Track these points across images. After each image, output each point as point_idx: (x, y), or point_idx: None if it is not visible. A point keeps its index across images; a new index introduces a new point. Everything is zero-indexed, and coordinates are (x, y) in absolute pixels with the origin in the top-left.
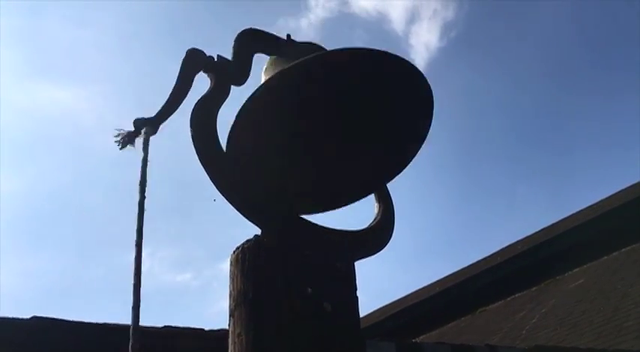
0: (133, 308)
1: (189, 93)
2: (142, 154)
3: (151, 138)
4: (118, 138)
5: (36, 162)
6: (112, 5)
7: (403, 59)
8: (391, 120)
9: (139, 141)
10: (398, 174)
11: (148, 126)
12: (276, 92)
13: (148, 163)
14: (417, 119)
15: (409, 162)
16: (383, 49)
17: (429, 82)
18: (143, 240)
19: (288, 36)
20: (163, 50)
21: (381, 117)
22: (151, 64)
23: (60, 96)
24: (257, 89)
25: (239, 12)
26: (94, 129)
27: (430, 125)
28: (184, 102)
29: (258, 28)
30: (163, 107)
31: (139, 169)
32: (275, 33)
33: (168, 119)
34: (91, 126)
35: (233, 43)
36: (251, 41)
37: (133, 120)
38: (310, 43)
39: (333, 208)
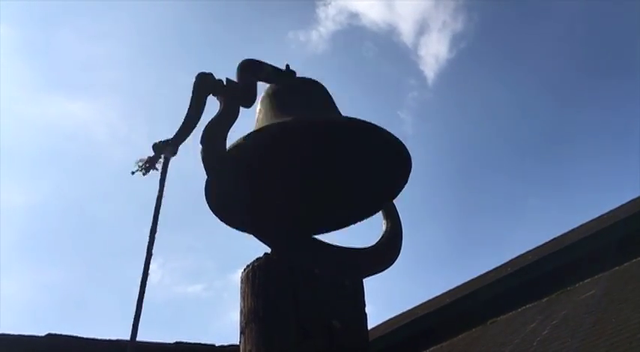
0: (133, 324)
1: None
2: (159, 176)
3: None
4: (141, 165)
5: (49, 176)
6: (123, 20)
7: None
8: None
9: (160, 163)
10: (398, 192)
11: (167, 148)
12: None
13: (165, 184)
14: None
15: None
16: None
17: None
18: (152, 257)
19: (287, 66)
20: (175, 64)
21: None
22: (162, 77)
23: (72, 110)
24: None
25: (250, 26)
26: (106, 142)
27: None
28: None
29: (255, 59)
30: (180, 129)
31: (157, 190)
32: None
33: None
34: (103, 139)
35: (237, 71)
36: (254, 70)
37: (152, 145)
38: (305, 80)
39: (341, 227)
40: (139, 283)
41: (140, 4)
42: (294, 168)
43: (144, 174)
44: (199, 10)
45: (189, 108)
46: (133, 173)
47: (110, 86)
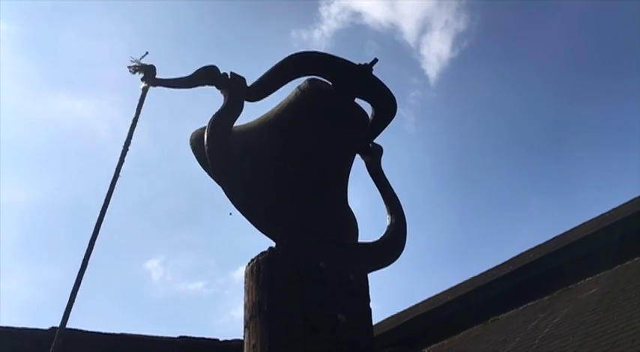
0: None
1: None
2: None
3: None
4: (131, 65)
5: (51, 173)
6: (126, 18)
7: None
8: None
9: (142, 82)
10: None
11: (151, 76)
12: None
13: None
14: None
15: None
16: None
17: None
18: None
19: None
20: (177, 62)
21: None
22: (164, 75)
23: (76, 108)
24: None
25: (253, 25)
26: (109, 139)
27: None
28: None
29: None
30: (167, 80)
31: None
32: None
33: (166, 89)
34: (106, 137)
35: (280, 61)
36: (300, 65)
37: (147, 65)
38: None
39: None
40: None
41: (143, 3)
42: (299, 159)
43: (130, 72)
44: (202, 9)
45: (186, 78)
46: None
47: (113, 84)
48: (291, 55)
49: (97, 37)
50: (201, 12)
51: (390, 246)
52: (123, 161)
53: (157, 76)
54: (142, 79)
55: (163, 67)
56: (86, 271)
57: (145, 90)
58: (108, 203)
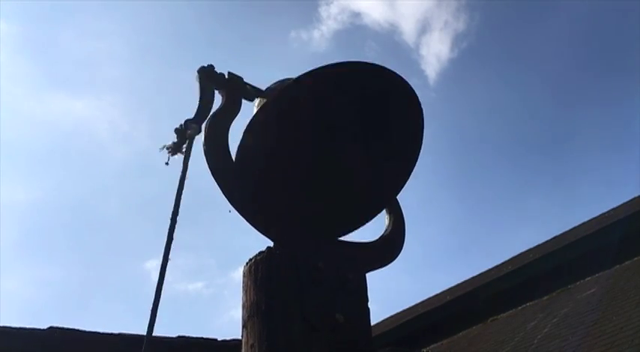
0: (150, 320)
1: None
2: (184, 154)
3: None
4: (168, 150)
5: (51, 173)
6: (125, 18)
7: (386, 70)
8: (386, 136)
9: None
10: (404, 184)
11: (191, 127)
12: (277, 111)
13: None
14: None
15: (412, 171)
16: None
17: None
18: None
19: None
20: (176, 62)
21: (376, 134)
22: (164, 75)
23: (75, 107)
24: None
25: (252, 24)
26: (108, 139)
27: (422, 135)
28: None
29: None
30: (199, 110)
31: (179, 173)
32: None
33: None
34: (105, 137)
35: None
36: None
37: (174, 129)
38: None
39: (352, 229)
40: (159, 270)
41: (141, 3)
42: (299, 159)
43: (170, 156)
44: (201, 9)
45: (200, 95)
46: (167, 163)
47: (112, 84)
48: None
49: (96, 37)
50: (200, 12)
51: (388, 246)
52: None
53: (187, 120)
54: (187, 137)
55: (163, 66)
56: (88, 271)
57: (192, 138)
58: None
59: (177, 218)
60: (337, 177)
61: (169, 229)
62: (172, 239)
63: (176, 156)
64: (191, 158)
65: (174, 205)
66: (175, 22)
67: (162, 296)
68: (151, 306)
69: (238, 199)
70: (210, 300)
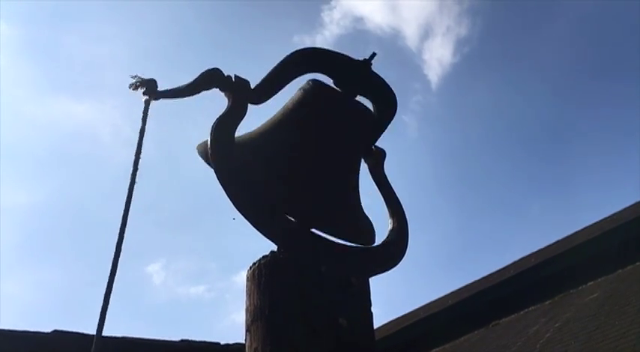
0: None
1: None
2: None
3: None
4: (132, 81)
5: (53, 176)
6: (128, 22)
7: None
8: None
9: (144, 97)
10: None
11: (151, 90)
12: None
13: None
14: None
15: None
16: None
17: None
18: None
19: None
20: (179, 66)
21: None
22: (166, 79)
23: (77, 111)
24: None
25: (254, 29)
26: (110, 143)
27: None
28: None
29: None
30: (170, 91)
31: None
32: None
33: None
34: (107, 141)
35: (280, 61)
36: (305, 62)
37: (148, 79)
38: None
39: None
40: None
41: (144, 7)
42: (299, 163)
43: (129, 89)
44: (204, 13)
45: (188, 85)
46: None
47: (115, 87)
48: (290, 55)
49: (99, 40)
50: (203, 16)
51: (391, 250)
52: (136, 173)
53: (158, 89)
54: (144, 93)
55: (166, 70)
56: (90, 275)
57: (147, 103)
58: (127, 212)
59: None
60: (340, 182)
61: (128, 191)
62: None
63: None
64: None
65: (134, 164)
66: (178, 25)
67: (163, 300)
68: (104, 292)
69: (242, 202)
70: (211, 304)
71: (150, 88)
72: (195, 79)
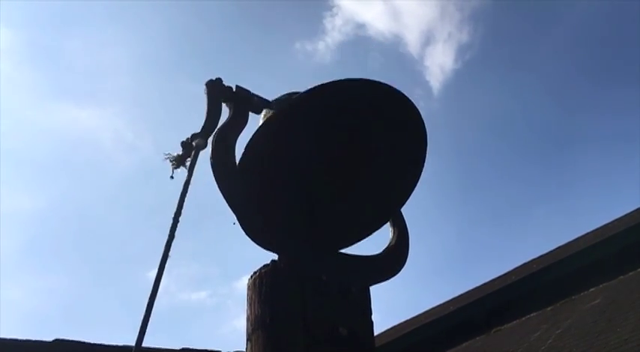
0: (140, 329)
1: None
2: (189, 164)
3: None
4: (172, 160)
5: (56, 182)
6: (130, 29)
7: (391, 87)
8: (388, 151)
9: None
10: (408, 197)
11: (197, 139)
12: (279, 125)
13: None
14: (412, 145)
15: (415, 186)
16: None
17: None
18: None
19: None
20: (181, 73)
21: (379, 149)
22: (168, 85)
23: (80, 117)
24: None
25: (257, 36)
26: (112, 148)
27: (425, 148)
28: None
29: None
30: (206, 123)
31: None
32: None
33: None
34: (110, 146)
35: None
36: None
37: (181, 143)
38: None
39: (355, 242)
40: (157, 269)
41: (147, 14)
42: (303, 173)
43: (175, 168)
44: (206, 21)
45: (207, 108)
46: (171, 177)
47: (117, 93)
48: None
49: (101, 46)
50: (205, 23)
51: (392, 259)
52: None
53: (194, 134)
54: (196, 146)
55: (167, 76)
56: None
57: (198, 151)
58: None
59: (178, 227)
60: (341, 190)
61: (169, 236)
62: (173, 237)
63: (179, 170)
64: (195, 171)
65: (177, 210)
66: (180, 32)
67: (165, 306)
68: (144, 314)
69: (242, 210)
70: (213, 310)
71: (196, 138)
72: (209, 101)
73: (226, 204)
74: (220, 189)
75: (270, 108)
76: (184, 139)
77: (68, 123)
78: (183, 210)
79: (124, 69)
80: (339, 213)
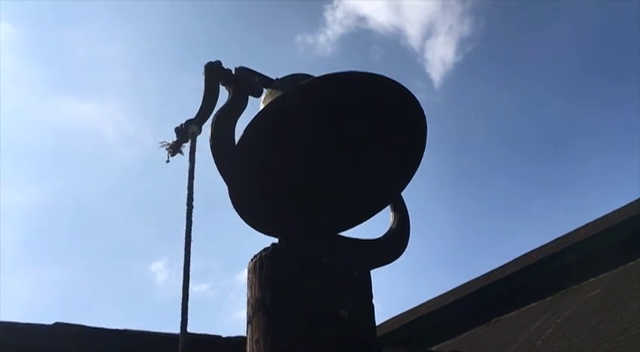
0: (182, 312)
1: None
2: (189, 153)
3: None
4: (167, 148)
5: (57, 175)
6: (131, 22)
7: (389, 79)
8: (389, 135)
9: (186, 147)
10: (408, 181)
11: (192, 126)
12: (281, 109)
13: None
14: (413, 130)
15: (416, 168)
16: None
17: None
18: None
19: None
20: (182, 66)
21: (379, 133)
22: (169, 79)
23: (82, 111)
24: (263, 109)
25: (257, 29)
26: (114, 142)
27: (425, 134)
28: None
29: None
30: (200, 110)
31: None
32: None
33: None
34: (111, 140)
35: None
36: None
37: (175, 129)
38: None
39: (354, 225)
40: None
41: (148, 8)
42: (303, 152)
43: (172, 155)
44: (206, 14)
45: (204, 93)
46: (167, 161)
47: (118, 87)
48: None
49: (102, 41)
50: (206, 17)
51: (394, 243)
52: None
53: (188, 120)
54: (190, 132)
55: (168, 70)
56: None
57: (194, 137)
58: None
59: (192, 217)
60: (340, 174)
61: (187, 220)
62: (191, 238)
63: (175, 157)
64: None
65: (188, 202)
66: (180, 26)
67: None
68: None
69: (242, 190)
70: (215, 302)
71: (190, 125)
72: (205, 83)
73: (228, 201)
74: (219, 170)
75: (272, 88)
76: (178, 126)
77: (69, 117)
78: (194, 195)
79: (125, 63)
80: (339, 196)
